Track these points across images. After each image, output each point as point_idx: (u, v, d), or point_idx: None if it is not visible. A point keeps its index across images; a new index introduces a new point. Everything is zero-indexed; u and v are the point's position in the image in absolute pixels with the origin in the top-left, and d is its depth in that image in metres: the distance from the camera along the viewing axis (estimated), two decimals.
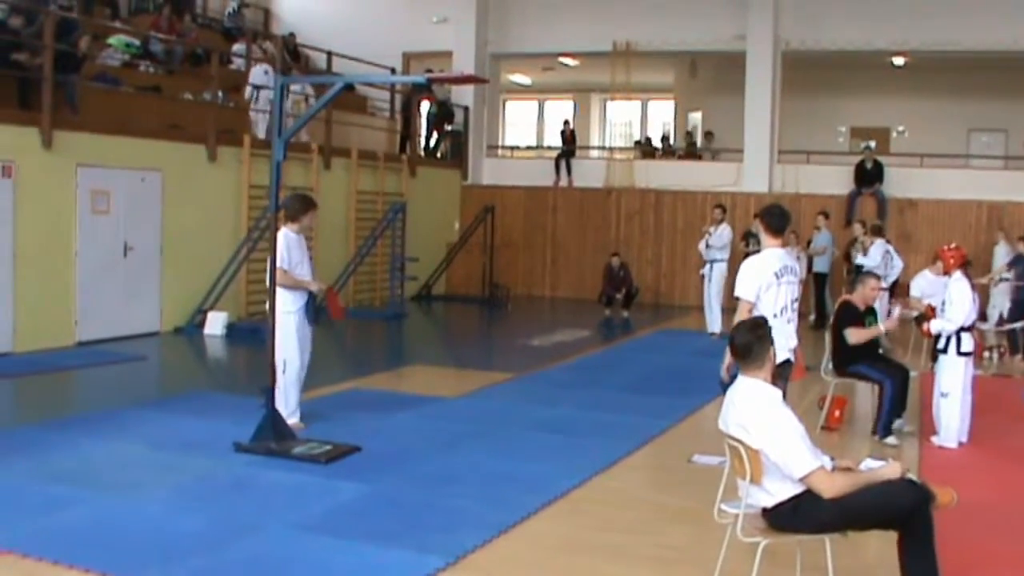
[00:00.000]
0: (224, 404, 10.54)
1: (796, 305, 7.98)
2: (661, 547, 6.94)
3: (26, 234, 14.02)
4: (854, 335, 10.26)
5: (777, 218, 7.99)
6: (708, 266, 18.42)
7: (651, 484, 8.82)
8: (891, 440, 10.06)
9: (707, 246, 18.47)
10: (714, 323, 18.22)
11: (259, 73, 19.05)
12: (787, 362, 7.63)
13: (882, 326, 10.42)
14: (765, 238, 8.00)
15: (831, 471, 5.41)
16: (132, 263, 15.72)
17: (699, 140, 29.02)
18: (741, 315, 7.57)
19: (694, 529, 7.14)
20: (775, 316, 7.42)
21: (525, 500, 7.77)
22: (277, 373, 9.82)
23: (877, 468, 5.62)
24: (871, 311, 10.61)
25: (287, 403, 10.02)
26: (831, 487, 5.30)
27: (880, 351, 10.97)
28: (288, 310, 9.91)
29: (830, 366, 10.78)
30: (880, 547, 6.01)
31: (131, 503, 7.48)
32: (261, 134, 18.05)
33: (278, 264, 9.73)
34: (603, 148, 28.96)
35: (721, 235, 18.24)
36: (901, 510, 5.34)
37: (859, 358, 10.34)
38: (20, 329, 13.98)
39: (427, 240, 22.47)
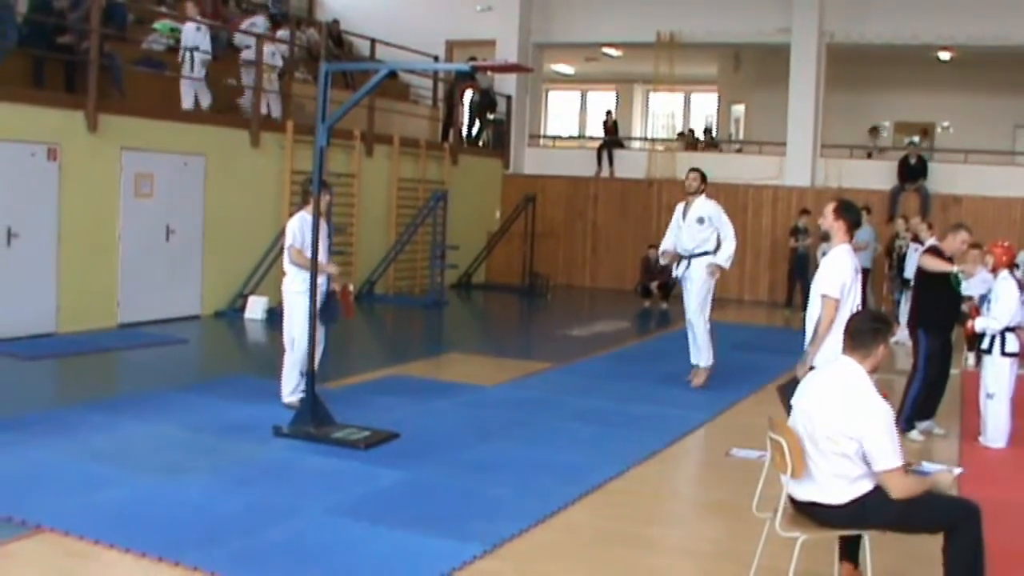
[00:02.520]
0: (264, 388, 10.59)
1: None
2: (698, 540, 6.93)
3: (70, 217, 14.12)
4: (930, 261, 10.05)
5: (857, 215, 7.85)
6: (683, 264, 12.37)
7: (689, 477, 8.81)
8: (914, 435, 9.98)
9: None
10: (700, 352, 12.48)
11: (190, 32, 16.68)
12: None
13: (954, 267, 9.97)
14: (839, 234, 7.73)
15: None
16: (174, 247, 15.82)
17: (740, 133, 28.90)
18: (829, 314, 7.49)
19: (732, 523, 7.11)
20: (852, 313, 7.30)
21: (563, 490, 7.77)
22: (286, 351, 10.00)
23: (934, 473, 5.57)
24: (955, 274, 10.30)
25: (289, 381, 10.17)
26: (904, 487, 5.28)
27: (952, 334, 10.67)
28: (298, 290, 10.00)
29: None
30: (911, 543, 5.97)
31: (171, 485, 7.53)
32: (188, 104, 16.44)
33: (290, 243, 10.06)
34: (645, 139, 28.84)
35: (700, 211, 12.23)
36: (956, 519, 5.33)
37: (932, 323, 10.10)
38: (63, 310, 14.10)
39: (468, 228, 22.47)
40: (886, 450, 5.25)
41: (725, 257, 12.13)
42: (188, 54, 16.37)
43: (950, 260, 10.10)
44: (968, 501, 5.45)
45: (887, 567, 6.09)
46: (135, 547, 6.21)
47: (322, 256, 10.03)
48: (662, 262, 13.12)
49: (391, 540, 6.55)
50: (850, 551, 5.94)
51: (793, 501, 5.53)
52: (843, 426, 5.31)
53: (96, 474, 7.68)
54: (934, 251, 10.29)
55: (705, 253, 12.13)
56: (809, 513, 5.48)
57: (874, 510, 5.32)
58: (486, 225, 23.99)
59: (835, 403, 5.39)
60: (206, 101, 16.72)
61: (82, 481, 7.51)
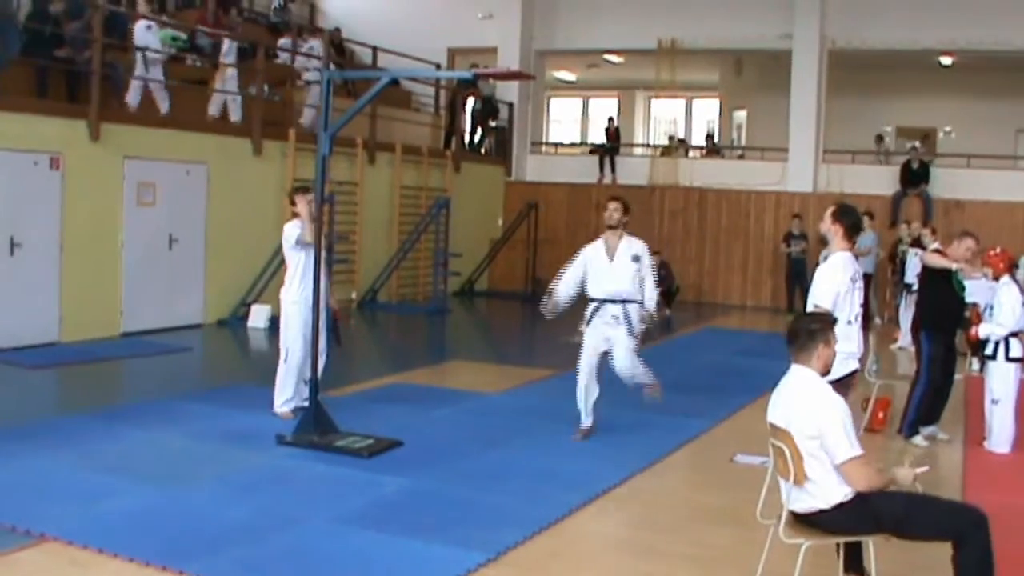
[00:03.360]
0: (267, 397, 10.57)
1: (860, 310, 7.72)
2: (702, 547, 6.92)
3: (73, 225, 14.13)
4: (932, 258, 10.09)
5: (855, 219, 7.55)
6: (615, 310, 9.98)
7: (692, 483, 8.80)
8: (918, 440, 9.97)
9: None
10: (586, 414, 10.11)
11: (140, 31, 15.66)
12: (854, 372, 7.27)
13: (954, 265, 9.94)
14: (837, 240, 7.43)
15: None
16: (177, 255, 15.83)
17: (742, 139, 28.92)
18: None
19: (736, 529, 7.10)
20: (849, 323, 7.11)
21: (566, 497, 7.76)
22: (280, 361, 10.00)
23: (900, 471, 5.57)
24: (955, 274, 10.16)
25: (282, 391, 10.16)
26: (865, 477, 5.30)
27: (956, 338, 10.57)
28: (294, 300, 10.02)
29: (874, 368, 10.69)
30: (915, 551, 5.96)
31: (174, 493, 7.53)
32: (134, 103, 15.41)
33: (291, 244, 10.13)
34: (647, 146, 28.86)
35: (633, 249, 10.08)
36: (965, 527, 5.32)
37: (934, 325, 10.11)
38: (66, 319, 14.10)
39: (470, 236, 22.46)
40: (841, 442, 5.28)
41: (652, 299, 10.10)
42: (140, 55, 15.67)
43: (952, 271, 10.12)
44: (975, 509, 5.43)
45: (891, 574, 6.08)
46: (139, 556, 6.21)
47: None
48: (546, 315, 10.32)
49: (394, 548, 6.55)
50: (854, 561, 5.93)
51: (796, 515, 5.53)
52: (803, 426, 5.36)
53: (100, 483, 7.68)
54: (938, 253, 10.32)
55: (636, 301, 10.02)
56: (811, 523, 5.47)
57: (876, 513, 5.33)
58: (489, 232, 24.00)
59: (793, 408, 5.44)
60: (165, 106, 15.89)
61: (86, 490, 7.51)
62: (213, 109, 16.64)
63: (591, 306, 10.07)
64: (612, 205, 10.11)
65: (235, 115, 16.90)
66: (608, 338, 9.98)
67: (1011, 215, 21.20)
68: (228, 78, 16.93)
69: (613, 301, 9.94)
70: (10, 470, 7.96)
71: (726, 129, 30.78)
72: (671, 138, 27.32)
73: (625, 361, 9.96)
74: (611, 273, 9.96)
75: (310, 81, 18.49)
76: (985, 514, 5.35)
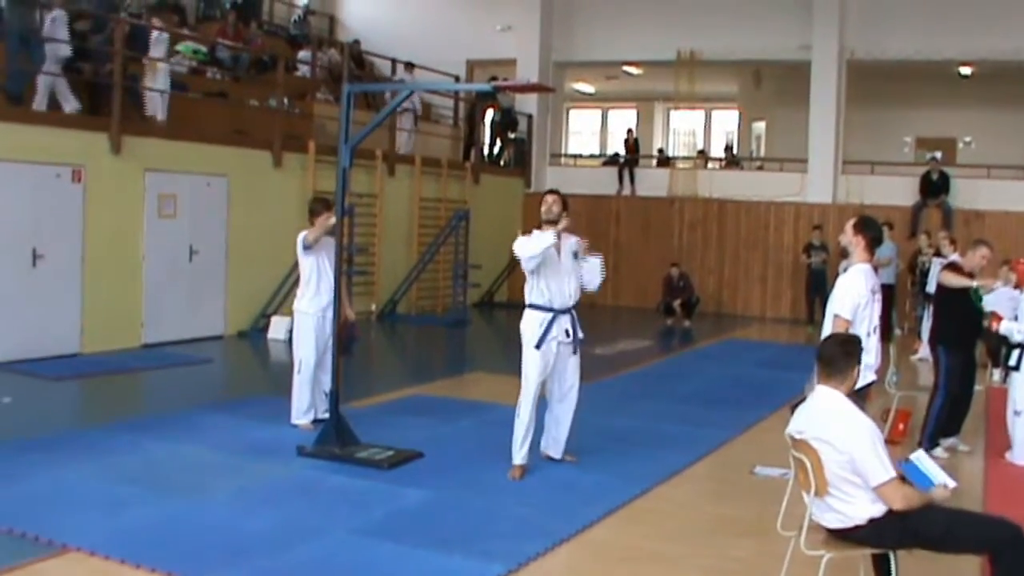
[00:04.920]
0: (287, 408, 10.59)
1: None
2: (723, 559, 6.91)
3: (95, 238, 14.22)
4: (949, 276, 9.98)
5: (877, 232, 7.56)
6: (563, 321, 8.88)
7: (713, 495, 8.78)
8: (938, 452, 9.92)
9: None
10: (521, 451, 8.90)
11: (45, 23, 14.42)
12: (871, 384, 7.28)
13: (975, 282, 9.92)
14: (858, 252, 7.45)
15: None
16: (198, 267, 15.89)
17: (761, 150, 28.90)
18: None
19: (756, 541, 7.09)
20: (868, 335, 7.15)
21: (586, 509, 7.77)
22: (294, 372, 10.02)
23: (933, 480, 5.55)
24: (975, 289, 10.13)
25: (299, 402, 10.17)
26: (904, 499, 5.28)
27: (975, 351, 10.57)
28: (306, 311, 10.06)
29: (894, 379, 10.66)
30: (938, 559, 5.94)
31: (195, 504, 7.56)
32: (41, 104, 14.14)
33: (302, 247, 10.31)
34: (666, 157, 28.85)
35: (573, 245, 9.04)
36: (1001, 540, 5.32)
37: (952, 339, 10.05)
38: (88, 331, 14.18)
39: (490, 247, 22.47)
40: (875, 467, 5.27)
41: (595, 283, 9.16)
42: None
43: (971, 276, 10.06)
44: (1012, 523, 5.43)
45: None
46: (161, 567, 6.23)
47: (326, 280, 10.06)
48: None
49: (415, 560, 6.55)
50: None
51: (828, 531, 5.52)
52: (832, 450, 5.35)
53: (122, 494, 7.71)
54: (953, 267, 10.27)
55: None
56: (846, 538, 5.46)
57: (917, 527, 5.33)
58: (508, 244, 23.73)
59: (821, 429, 5.42)
60: (70, 106, 14.47)
61: (108, 501, 7.54)
62: (40, 102, 14.34)
63: (542, 318, 8.78)
64: (550, 198, 8.91)
65: (160, 114, 15.82)
66: (565, 357, 8.95)
67: None
68: (159, 72, 15.92)
69: (564, 312, 8.87)
70: (33, 481, 8.00)
71: (745, 140, 30.79)
72: (701, 152, 27.14)
73: (573, 390, 9.07)
74: (564, 276, 8.85)
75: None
76: (1020, 527, 5.35)
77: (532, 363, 8.75)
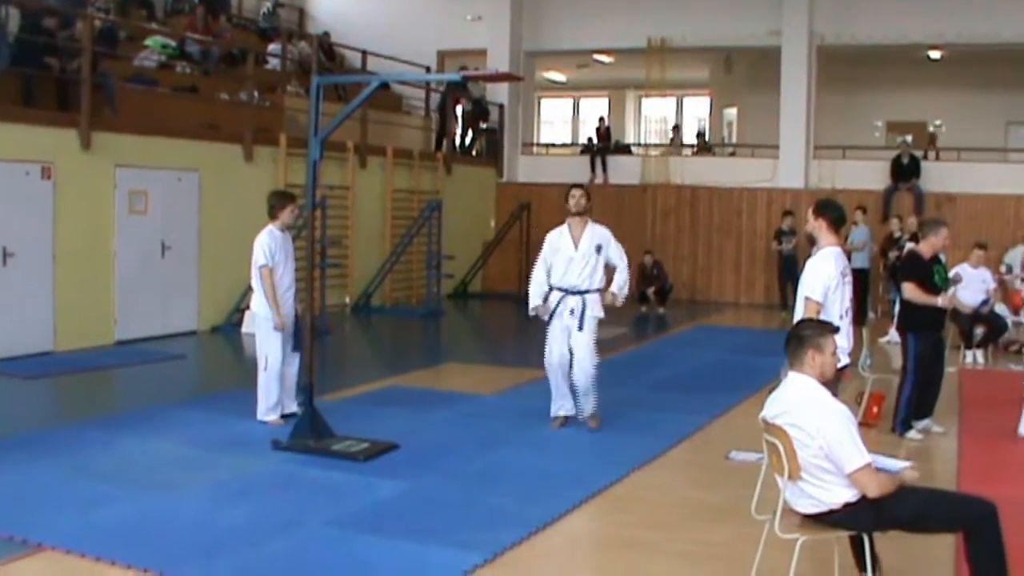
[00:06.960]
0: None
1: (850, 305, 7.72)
2: (698, 544, 6.93)
3: (66, 235, 14.13)
4: (910, 290, 9.94)
5: (838, 211, 7.55)
6: (573, 303, 10.15)
7: (688, 481, 8.80)
8: (912, 435, 9.99)
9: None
10: (588, 398, 10.22)
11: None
12: (845, 367, 7.23)
13: (940, 300, 9.93)
14: (824, 235, 7.46)
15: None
16: (170, 263, 15.82)
17: (733, 136, 28.93)
18: (811, 317, 7.06)
19: (731, 526, 7.11)
20: (840, 317, 7.16)
21: (563, 497, 7.77)
22: (259, 370, 9.97)
23: (894, 468, 5.57)
24: (938, 261, 10.26)
25: (267, 399, 10.12)
26: (879, 484, 5.29)
27: (943, 333, 10.58)
28: (265, 315, 9.98)
29: (868, 362, 10.72)
30: (913, 539, 5.98)
31: (170, 500, 7.54)
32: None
33: (262, 263, 9.90)
34: (638, 145, 28.87)
35: (597, 238, 10.28)
36: (976, 518, 5.35)
37: (920, 326, 10.05)
38: (60, 328, 14.10)
39: (463, 238, 22.47)
40: (849, 451, 5.27)
41: (622, 285, 10.23)
42: None
43: (934, 259, 10.14)
44: (984, 500, 5.45)
45: (892, 566, 6.10)
46: (137, 563, 6.21)
47: (287, 277, 10.02)
48: (541, 316, 10.31)
49: (392, 551, 6.56)
50: (863, 557, 5.87)
51: (804, 516, 5.53)
52: (806, 436, 5.35)
53: (96, 491, 7.68)
54: (912, 258, 10.24)
55: (598, 290, 10.13)
56: (822, 522, 5.48)
57: (891, 510, 5.33)
58: (481, 234, 24.00)
59: (794, 415, 5.42)
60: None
61: (82, 499, 7.50)
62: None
63: (555, 296, 10.13)
64: (576, 192, 10.27)
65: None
66: (574, 334, 10.01)
67: (1002, 207, 21.23)
68: None
69: (573, 292, 10.04)
70: (7, 480, 7.96)
71: (717, 127, 30.82)
72: (676, 128, 26.98)
73: (585, 363, 9.93)
74: (574, 263, 10.08)
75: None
76: (994, 504, 5.37)
77: (549, 334, 10.18)
